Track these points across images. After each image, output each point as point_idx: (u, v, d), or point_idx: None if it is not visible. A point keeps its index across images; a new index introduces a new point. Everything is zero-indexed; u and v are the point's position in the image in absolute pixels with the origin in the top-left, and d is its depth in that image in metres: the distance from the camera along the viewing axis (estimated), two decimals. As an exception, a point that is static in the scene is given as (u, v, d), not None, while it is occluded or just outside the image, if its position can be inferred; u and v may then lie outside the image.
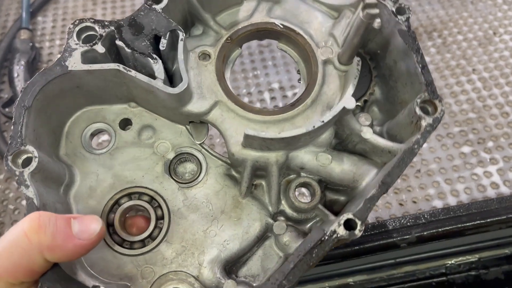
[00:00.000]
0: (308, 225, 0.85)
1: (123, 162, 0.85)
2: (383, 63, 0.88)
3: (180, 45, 0.79)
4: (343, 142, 0.87)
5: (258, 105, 1.68)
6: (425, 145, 1.53)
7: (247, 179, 0.84)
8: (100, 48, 0.77)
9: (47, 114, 0.80)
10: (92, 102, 0.86)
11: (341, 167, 0.83)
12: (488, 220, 1.15)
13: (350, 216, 0.69)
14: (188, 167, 0.87)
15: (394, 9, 0.80)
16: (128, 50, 0.77)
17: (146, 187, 0.84)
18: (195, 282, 0.79)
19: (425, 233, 1.14)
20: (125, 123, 0.88)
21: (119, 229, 0.81)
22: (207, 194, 0.85)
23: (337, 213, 0.83)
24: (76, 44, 0.77)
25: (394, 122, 0.83)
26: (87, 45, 0.77)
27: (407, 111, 0.77)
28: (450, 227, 1.15)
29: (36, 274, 0.65)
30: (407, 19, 0.79)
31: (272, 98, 1.69)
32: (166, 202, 0.84)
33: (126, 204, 0.83)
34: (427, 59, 1.77)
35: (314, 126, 0.76)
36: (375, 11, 0.72)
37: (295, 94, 1.69)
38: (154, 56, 0.77)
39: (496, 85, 1.67)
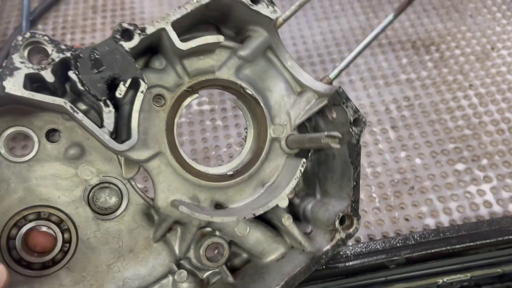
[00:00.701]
0: (206, 274, 0.89)
1: (41, 177, 0.79)
2: (324, 150, 0.91)
3: (139, 99, 0.72)
4: (264, 214, 0.88)
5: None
6: (419, 161, 1.54)
7: (164, 229, 0.85)
8: (48, 76, 0.67)
9: None
10: (20, 103, 0.77)
11: (255, 240, 0.88)
12: (478, 242, 1.15)
13: None
14: (108, 198, 0.84)
15: (352, 119, 0.81)
16: (80, 88, 0.69)
17: (59, 209, 0.80)
18: None
19: (414, 254, 1.15)
20: (54, 134, 0.81)
21: (19, 246, 0.77)
22: (120, 230, 0.83)
23: (236, 269, 0.89)
24: (21, 63, 0.66)
25: (314, 212, 0.89)
26: (34, 67, 0.67)
27: (327, 215, 0.84)
28: (439, 249, 1.15)
29: None
30: (360, 133, 0.82)
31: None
32: (77, 229, 0.81)
33: (32, 223, 0.78)
34: (424, 73, 1.77)
35: (244, 217, 0.79)
36: (336, 146, 0.75)
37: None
38: (108, 103, 0.70)
39: (492, 101, 1.66)
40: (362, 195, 1.47)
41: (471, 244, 1.15)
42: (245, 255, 0.92)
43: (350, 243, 1.39)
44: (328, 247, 0.81)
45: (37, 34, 0.67)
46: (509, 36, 1.85)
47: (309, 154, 0.92)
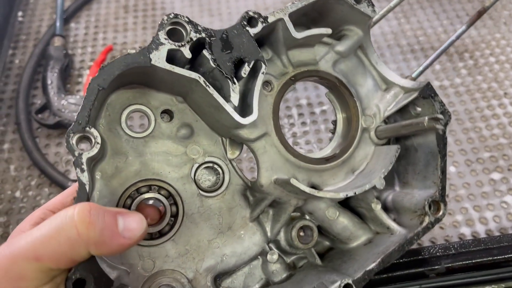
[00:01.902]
0: (292, 257, 0.91)
1: (155, 153, 0.84)
2: (404, 143, 0.95)
3: (260, 79, 0.79)
4: (348, 199, 0.94)
5: (285, 120, 1.68)
6: (453, 169, 1.52)
7: (262, 208, 0.88)
8: (187, 52, 0.74)
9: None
10: (144, 84, 0.83)
11: (343, 224, 0.92)
12: (520, 254, 1.13)
13: (349, 281, 0.79)
14: (212, 177, 0.88)
15: (439, 111, 0.88)
16: (213, 65, 0.76)
17: (169, 183, 0.84)
18: (187, 284, 0.82)
19: (455, 264, 1.13)
20: (168, 115, 0.86)
21: None
22: (221, 208, 0.88)
23: (319, 254, 0.92)
24: (166, 39, 0.73)
25: (397, 201, 0.92)
26: (176, 44, 0.73)
27: (415, 201, 0.87)
28: (480, 260, 1.13)
29: (76, 263, 0.67)
30: (446, 124, 0.87)
31: (300, 115, 1.70)
32: (183, 203, 0.85)
33: (147, 194, 0.83)
34: (457, 80, 1.75)
35: (347, 195, 0.84)
36: (441, 127, 0.82)
37: (323, 111, 1.69)
38: (235, 81, 0.76)
39: (528, 111, 1.64)
40: (395, 202, 1.47)
41: (514, 255, 1.13)
42: (326, 243, 0.95)
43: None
44: (419, 229, 0.84)
45: (179, 15, 0.74)
46: (544, 44, 1.82)
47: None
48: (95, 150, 0.70)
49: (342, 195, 0.83)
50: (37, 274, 0.63)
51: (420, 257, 1.15)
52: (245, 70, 0.77)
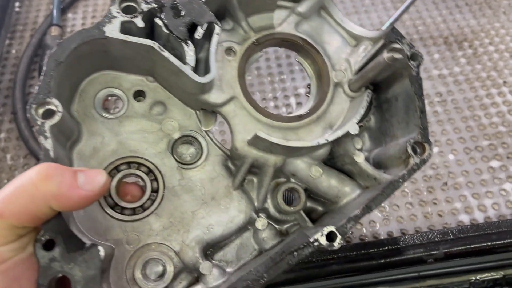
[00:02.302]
0: (285, 226, 0.92)
1: (130, 131, 0.88)
2: (384, 96, 0.95)
3: (215, 38, 0.82)
4: (333, 159, 0.94)
5: (284, 110, 1.67)
6: (452, 157, 1.52)
7: (242, 174, 0.89)
8: (140, 22, 0.79)
9: (72, 70, 0.82)
10: (112, 67, 0.88)
11: (329, 182, 0.91)
12: (519, 239, 1.13)
13: (333, 229, 0.76)
14: (190, 150, 0.91)
15: (409, 54, 0.87)
16: (166, 31, 0.79)
17: (147, 159, 0.87)
18: (175, 257, 0.84)
19: (453, 249, 1.13)
20: (139, 95, 0.90)
21: (114, 193, 0.84)
22: (202, 179, 0.90)
23: (313, 221, 0.91)
24: (118, 12, 0.78)
25: (383, 153, 0.90)
26: (128, 16, 0.78)
27: (398, 147, 0.85)
28: (479, 245, 1.13)
29: (39, 220, 0.68)
30: (418, 65, 0.86)
31: (298, 104, 1.69)
32: (163, 177, 0.88)
33: (125, 171, 0.86)
34: (456, 69, 1.74)
35: (318, 142, 0.84)
36: (399, 56, 0.80)
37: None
38: (189, 43, 0.80)
39: (527, 99, 1.64)
40: (394, 190, 1.46)
41: (512, 240, 1.13)
42: (320, 208, 0.95)
43: (383, 237, 1.38)
44: (404, 171, 0.81)
45: None
46: (544, 33, 1.82)
47: (371, 106, 0.96)
48: (56, 118, 0.73)
49: (313, 143, 0.84)
50: (1, 231, 0.64)
51: (418, 242, 1.15)
52: (199, 32, 0.80)
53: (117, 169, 0.86)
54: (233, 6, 0.90)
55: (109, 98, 0.90)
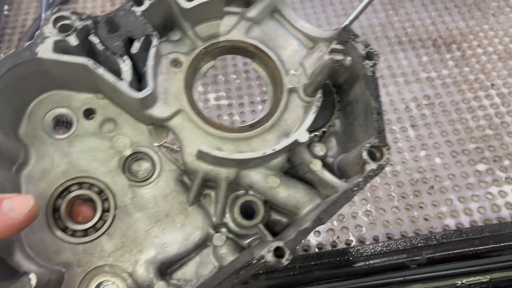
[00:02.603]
0: (248, 240, 0.89)
1: (80, 151, 0.87)
2: (347, 99, 0.91)
3: (152, 51, 0.80)
4: (294, 168, 0.90)
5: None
6: (439, 160, 1.52)
7: (196, 189, 0.86)
8: (73, 40, 0.77)
9: (12, 93, 0.80)
10: (60, 87, 0.86)
11: (287, 193, 0.87)
12: (501, 244, 1.13)
13: (280, 244, 0.73)
14: (142, 167, 0.89)
15: (364, 53, 0.83)
16: (101, 48, 0.78)
17: (97, 179, 0.86)
18: (128, 278, 0.82)
19: (436, 255, 1.13)
20: (89, 113, 0.89)
21: (64, 215, 0.83)
22: (155, 196, 0.88)
23: (277, 234, 0.88)
24: (50, 32, 0.77)
25: (345, 158, 0.87)
26: (61, 34, 0.77)
27: (356, 152, 0.81)
28: (462, 250, 1.13)
29: None
30: (374, 65, 0.82)
31: (286, 107, 1.68)
32: (115, 196, 0.86)
33: (75, 192, 0.85)
34: (445, 72, 1.74)
35: (265, 153, 0.81)
36: (340, 57, 0.76)
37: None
38: (124, 58, 0.78)
39: (515, 102, 1.64)
40: (380, 193, 1.46)
41: (495, 245, 1.13)
42: (285, 220, 0.91)
43: (369, 242, 1.38)
44: (359, 179, 0.76)
45: (62, 8, 0.78)
46: (532, 35, 1.82)
47: (334, 110, 0.93)
48: None
49: (257, 154, 0.80)
50: None
51: (401, 247, 1.15)
52: (135, 47, 0.78)
53: (68, 190, 0.85)
54: (177, 16, 0.87)
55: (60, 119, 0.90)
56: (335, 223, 1.41)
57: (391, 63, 1.79)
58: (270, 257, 0.72)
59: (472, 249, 1.13)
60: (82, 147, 0.87)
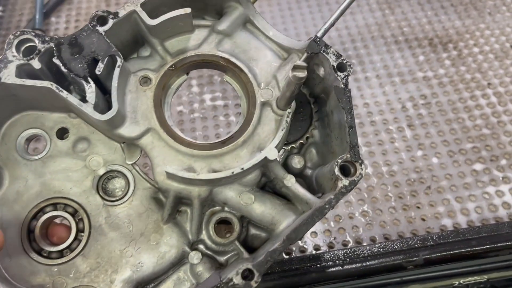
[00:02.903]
0: (226, 257, 0.88)
1: (54, 171, 0.87)
2: (325, 109, 0.89)
3: (116, 72, 0.79)
4: (271, 182, 0.88)
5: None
6: (436, 160, 1.51)
7: (169, 207, 0.85)
8: (36, 64, 0.77)
9: None
10: (32, 108, 0.86)
11: (262, 209, 0.85)
12: (499, 244, 1.13)
13: (249, 266, 0.71)
14: (116, 185, 0.89)
15: (335, 64, 0.81)
16: (64, 70, 0.77)
17: (72, 199, 0.86)
18: None
19: (433, 255, 1.13)
20: (63, 132, 0.88)
21: (39, 237, 0.83)
22: (130, 215, 0.87)
23: (256, 249, 0.86)
24: (13, 56, 0.76)
25: (321, 172, 0.85)
26: (24, 58, 0.76)
27: (329, 167, 0.79)
28: (459, 251, 1.13)
29: None
30: (347, 76, 0.80)
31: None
32: (89, 216, 0.86)
33: (50, 213, 0.84)
34: (441, 71, 1.74)
35: (233, 172, 0.79)
36: (302, 74, 0.74)
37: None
38: (89, 79, 0.77)
39: (511, 101, 1.63)
40: (377, 194, 1.45)
41: (492, 246, 1.13)
42: (263, 235, 0.89)
43: (366, 243, 1.37)
44: (331, 196, 0.74)
45: (25, 31, 0.77)
46: (529, 34, 1.81)
47: (312, 120, 0.91)
48: None
49: (224, 174, 0.79)
50: None
51: (398, 248, 1.14)
52: (99, 67, 0.77)
53: (42, 211, 0.84)
54: (144, 33, 0.86)
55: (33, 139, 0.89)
56: (332, 223, 1.41)
57: (387, 62, 1.78)
58: (238, 280, 0.71)
59: (469, 249, 1.13)
60: (56, 168, 0.87)
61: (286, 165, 0.92)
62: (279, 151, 0.86)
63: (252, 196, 0.85)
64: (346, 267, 1.11)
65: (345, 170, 0.77)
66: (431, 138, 1.57)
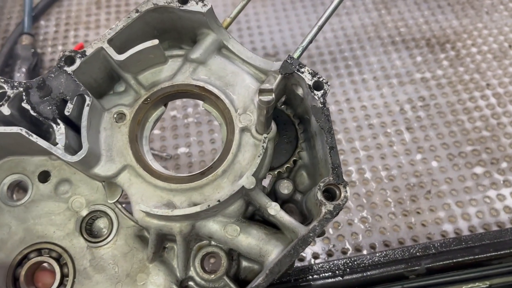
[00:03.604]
0: None
1: (37, 216, 0.85)
2: (310, 130, 0.86)
3: (85, 111, 0.78)
4: (259, 211, 0.85)
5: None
6: (435, 164, 1.48)
7: (153, 245, 0.82)
8: (5, 110, 0.76)
9: None
10: (12, 153, 0.86)
11: (248, 241, 0.81)
12: (502, 252, 1.10)
13: None
14: (100, 226, 0.87)
15: (311, 83, 0.78)
16: (34, 114, 0.77)
17: (55, 244, 0.84)
18: None
19: (435, 264, 1.10)
20: (45, 175, 0.87)
21: (24, 284, 0.81)
22: (114, 256, 0.85)
23: (250, 282, 0.80)
24: None
25: (308, 197, 0.80)
26: None
27: (313, 191, 0.75)
28: (462, 259, 1.10)
29: None
30: (324, 95, 0.77)
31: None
32: (73, 260, 0.84)
33: (34, 260, 0.82)
34: (439, 72, 1.71)
35: (209, 206, 0.75)
36: (268, 98, 0.70)
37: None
38: (58, 121, 0.76)
39: (511, 102, 1.61)
40: (376, 199, 1.42)
41: (496, 253, 1.10)
42: (256, 267, 0.86)
43: (366, 251, 1.34)
44: (314, 223, 0.70)
45: None
46: (527, 33, 1.79)
47: (298, 142, 0.88)
48: None
49: (200, 208, 0.75)
50: None
51: (399, 257, 1.11)
52: (68, 108, 0.77)
53: (27, 257, 0.82)
54: (116, 68, 0.84)
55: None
56: (330, 231, 1.38)
57: (384, 64, 1.75)
58: None
59: (472, 257, 1.10)
60: (38, 212, 0.85)
61: (274, 191, 0.88)
62: (262, 178, 0.83)
63: (237, 228, 0.81)
64: (346, 277, 1.08)
65: (329, 194, 0.73)
66: (430, 141, 1.54)
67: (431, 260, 1.10)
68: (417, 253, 1.11)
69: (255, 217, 0.86)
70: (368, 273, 1.09)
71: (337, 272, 1.09)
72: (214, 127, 1.61)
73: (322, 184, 0.72)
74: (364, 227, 1.38)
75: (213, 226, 0.81)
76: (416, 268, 1.09)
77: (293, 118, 0.88)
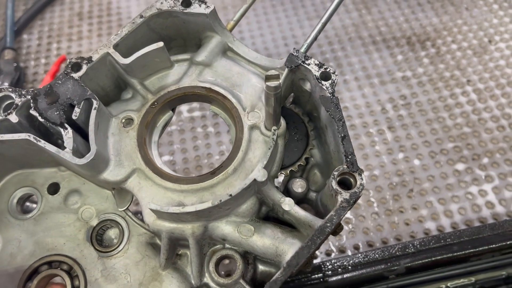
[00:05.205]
0: None
1: (47, 228, 0.84)
2: (319, 125, 0.86)
3: (93, 114, 0.78)
4: (273, 211, 0.83)
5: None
6: (417, 162, 1.49)
7: (165, 251, 0.81)
8: (13, 118, 0.77)
9: None
10: (22, 166, 0.86)
11: (263, 240, 0.78)
12: (480, 248, 1.10)
13: None
14: (111, 235, 0.86)
15: (318, 74, 0.78)
16: (41, 120, 0.77)
17: (66, 255, 0.83)
18: None
19: (414, 263, 1.10)
20: (55, 187, 0.87)
21: None
22: (126, 265, 0.83)
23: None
24: None
25: (323, 192, 0.79)
26: (2, 114, 0.78)
27: (327, 184, 0.74)
28: (440, 257, 1.10)
29: None
30: (332, 85, 0.77)
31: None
32: (84, 272, 0.82)
33: (44, 273, 0.81)
34: (420, 70, 1.72)
35: (220, 200, 0.73)
36: (275, 83, 0.70)
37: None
38: (66, 126, 0.77)
39: (491, 97, 1.61)
40: (360, 200, 1.43)
41: (474, 250, 1.10)
42: (273, 270, 0.83)
43: (350, 252, 1.35)
44: (332, 212, 0.68)
45: (3, 88, 0.79)
46: (506, 28, 1.79)
47: (309, 140, 0.88)
48: None
49: (212, 203, 0.73)
50: None
51: (379, 257, 1.12)
52: (76, 112, 0.78)
53: (37, 271, 0.81)
54: (122, 74, 0.86)
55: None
56: (314, 233, 1.38)
57: (365, 64, 1.76)
58: None
59: (450, 255, 1.11)
60: (48, 224, 0.84)
61: (288, 191, 0.87)
62: (274, 176, 0.83)
63: (251, 227, 0.78)
64: (326, 279, 1.08)
65: (344, 183, 0.72)
66: (412, 139, 1.55)
67: (410, 259, 1.11)
68: (397, 253, 1.11)
69: (269, 218, 0.84)
70: (348, 274, 1.10)
71: (317, 275, 1.09)
72: (197, 134, 1.62)
73: (336, 173, 0.71)
74: (347, 228, 1.38)
75: (226, 227, 0.79)
76: (395, 268, 1.10)
77: (302, 116, 0.89)
